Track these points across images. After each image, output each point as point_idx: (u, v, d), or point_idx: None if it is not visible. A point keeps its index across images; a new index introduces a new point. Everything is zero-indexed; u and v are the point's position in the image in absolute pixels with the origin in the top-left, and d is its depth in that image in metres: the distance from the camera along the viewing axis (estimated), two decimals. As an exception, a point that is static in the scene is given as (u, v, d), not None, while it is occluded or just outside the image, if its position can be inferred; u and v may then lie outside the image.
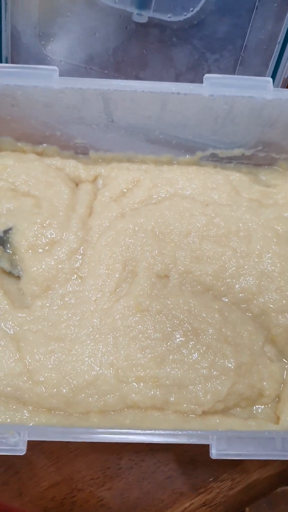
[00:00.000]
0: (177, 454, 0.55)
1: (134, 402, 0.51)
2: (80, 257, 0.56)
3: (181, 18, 0.56)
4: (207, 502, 0.54)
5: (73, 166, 0.61)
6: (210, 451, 0.42)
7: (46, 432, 0.43)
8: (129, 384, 0.51)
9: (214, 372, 0.52)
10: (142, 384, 0.52)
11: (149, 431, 0.42)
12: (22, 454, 0.42)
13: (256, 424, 0.52)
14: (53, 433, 0.43)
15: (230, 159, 0.63)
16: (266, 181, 0.64)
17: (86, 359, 0.52)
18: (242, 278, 0.56)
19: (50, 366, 0.51)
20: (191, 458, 0.55)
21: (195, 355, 0.52)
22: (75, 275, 0.56)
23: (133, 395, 0.51)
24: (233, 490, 0.55)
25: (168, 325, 0.53)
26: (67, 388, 0.51)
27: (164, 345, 0.52)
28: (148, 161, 0.63)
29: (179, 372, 0.52)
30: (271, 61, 0.57)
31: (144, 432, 0.42)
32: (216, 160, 0.63)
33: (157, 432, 0.42)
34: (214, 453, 0.42)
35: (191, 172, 0.61)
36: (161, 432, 0.42)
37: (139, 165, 0.62)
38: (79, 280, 0.56)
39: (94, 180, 0.62)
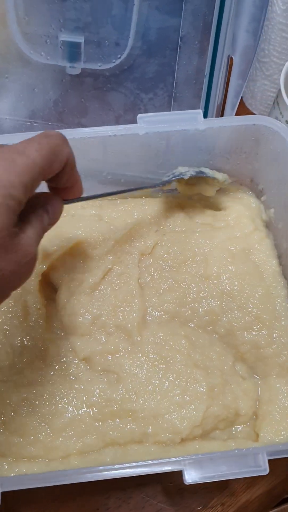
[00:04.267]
0: (164, 486, 0.55)
1: (112, 439, 0.51)
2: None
3: (111, 65, 0.59)
4: (201, 531, 0.54)
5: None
6: (183, 477, 0.43)
7: (22, 481, 0.43)
8: (105, 421, 0.52)
9: (187, 398, 0.52)
10: (118, 420, 0.52)
11: (119, 466, 0.42)
12: (-3, 506, 0.42)
13: (236, 444, 0.52)
14: (29, 481, 0.43)
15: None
16: (217, 205, 0.67)
17: (59, 400, 0.52)
18: (204, 301, 0.57)
19: (24, 414, 0.51)
20: (177, 488, 0.55)
21: (166, 383, 0.53)
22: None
23: (110, 432, 0.51)
24: (224, 515, 0.55)
25: (135, 358, 0.54)
26: (43, 433, 0.51)
27: (134, 378, 0.53)
28: (102, 199, 0.65)
29: (152, 403, 0.52)
30: (202, 93, 0.61)
31: (115, 467, 0.42)
32: (167, 191, 0.65)
33: (129, 465, 0.42)
34: (187, 479, 0.42)
35: (145, 203, 0.64)
36: (134, 464, 0.43)
37: (94, 202, 0.64)
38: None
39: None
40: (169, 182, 0.58)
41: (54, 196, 0.45)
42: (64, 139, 0.41)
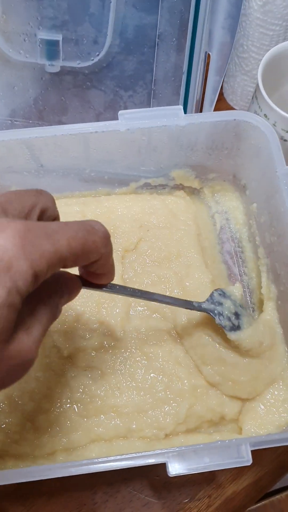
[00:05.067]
0: (150, 480, 0.56)
1: (97, 435, 0.52)
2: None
3: (90, 63, 0.60)
4: (188, 523, 0.54)
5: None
6: (167, 469, 0.43)
7: (8, 476, 0.43)
8: (90, 417, 0.52)
9: (170, 395, 0.53)
10: (102, 416, 0.52)
11: (105, 459, 0.43)
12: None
13: (221, 437, 0.53)
14: (14, 475, 0.43)
15: (163, 186, 0.66)
16: (203, 201, 0.67)
17: (44, 397, 0.52)
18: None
19: (7, 411, 0.52)
20: (164, 482, 0.55)
21: (149, 380, 0.53)
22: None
23: (95, 428, 0.52)
24: (211, 507, 0.55)
25: (119, 354, 0.54)
26: (29, 431, 0.51)
27: (118, 374, 0.53)
28: (86, 196, 0.65)
29: (136, 398, 0.53)
30: (181, 89, 0.61)
31: (101, 460, 0.43)
32: (151, 188, 0.66)
33: (113, 458, 0.43)
34: (171, 471, 0.43)
35: (129, 200, 0.64)
36: (118, 457, 0.43)
37: (77, 199, 0.65)
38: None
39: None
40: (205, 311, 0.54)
41: (73, 279, 0.38)
42: (107, 239, 0.35)
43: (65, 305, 0.52)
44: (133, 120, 0.55)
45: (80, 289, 0.39)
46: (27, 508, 0.54)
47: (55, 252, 0.31)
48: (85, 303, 0.56)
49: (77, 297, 0.54)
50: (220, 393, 0.54)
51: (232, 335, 0.52)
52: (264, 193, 0.58)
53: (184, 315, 0.55)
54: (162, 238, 0.61)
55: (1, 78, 0.62)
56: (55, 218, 0.38)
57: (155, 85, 0.61)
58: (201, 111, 0.63)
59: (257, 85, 0.56)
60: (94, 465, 0.43)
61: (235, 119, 0.56)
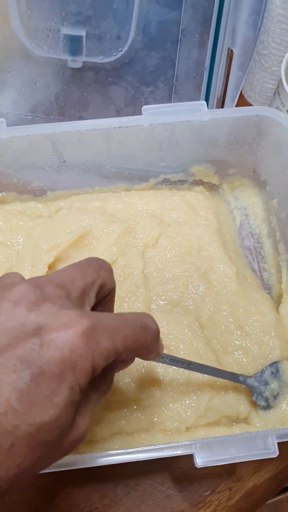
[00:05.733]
0: (171, 472, 0.56)
1: (120, 428, 0.52)
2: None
3: (112, 59, 0.60)
4: (209, 516, 0.55)
5: (32, 207, 0.63)
6: (194, 461, 0.43)
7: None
8: (112, 410, 0.52)
9: (190, 388, 0.53)
10: (125, 409, 0.53)
11: (132, 450, 0.43)
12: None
13: (240, 430, 0.53)
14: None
15: (183, 181, 0.66)
16: (222, 196, 0.68)
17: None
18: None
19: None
20: (185, 474, 0.56)
21: (170, 372, 0.54)
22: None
23: (118, 421, 0.52)
24: (232, 499, 0.56)
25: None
26: None
27: (140, 367, 0.54)
28: (106, 191, 0.65)
29: (157, 392, 0.53)
30: (202, 85, 0.61)
31: (127, 451, 0.43)
32: (171, 184, 0.66)
33: (140, 449, 0.43)
34: (198, 462, 0.43)
35: (148, 195, 0.64)
36: (145, 448, 0.43)
37: (98, 194, 0.65)
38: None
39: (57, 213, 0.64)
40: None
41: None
42: (157, 337, 0.37)
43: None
44: (156, 115, 0.56)
45: (133, 361, 0.41)
46: (48, 501, 0.55)
47: (114, 349, 0.32)
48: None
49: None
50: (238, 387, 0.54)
51: (260, 413, 0.52)
52: (285, 189, 0.58)
53: (210, 306, 0.55)
54: (182, 233, 0.61)
55: (23, 74, 0.62)
56: (112, 290, 0.39)
57: (176, 80, 0.61)
58: (222, 107, 0.63)
59: (280, 80, 0.57)
60: (122, 456, 0.43)
61: (257, 115, 0.56)
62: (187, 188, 0.66)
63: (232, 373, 0.52)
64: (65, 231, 0.59)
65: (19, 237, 0.60)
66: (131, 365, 0.53)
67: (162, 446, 0.44)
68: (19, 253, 0.59)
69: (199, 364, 0.48)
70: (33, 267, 0.56)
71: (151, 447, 0.43)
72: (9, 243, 0.60)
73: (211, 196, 0.66)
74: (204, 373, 0.50)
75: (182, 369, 0.54)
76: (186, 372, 0.53)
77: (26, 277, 0.36)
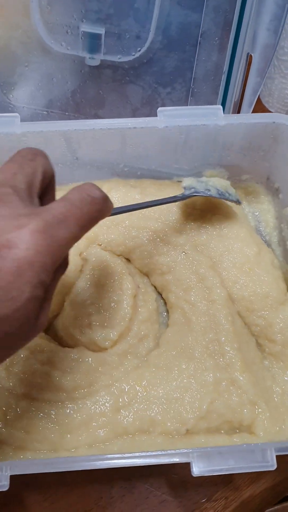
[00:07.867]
0: (168, 477, 0.56)
1: (124, 428, 0.51)
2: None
3: (131, 58, 0.60)
4: (203, 523, 0.54)
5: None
6: (191, 469, 0.43)
7: (30, 465, 0.44)
8: (119, 411, 0.52)
9: (191, 388, 0.52)
10: (125, 409, 0.52)
11: (129, 455, 0.43)
12: (5, 490, 0.42)
13: (241, 439, 0.53)
14: (36, 465, 0.44)
15: (195, 185, 0.66)
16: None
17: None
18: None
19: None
20: (182, 481, 0.55)
21: (171, 372, 0.53)
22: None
23: (124, 420, 0.51)
24: (227, 509, 0.55)
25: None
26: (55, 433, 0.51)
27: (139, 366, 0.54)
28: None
29: (157, 391, 0.53)
30: (220, 89, 0.61)
31: (124, 455, 0.43)
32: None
33: (137, 454, 0.43)
34: (195, 471, 0.43)
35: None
36: (142, 454, 0.43)
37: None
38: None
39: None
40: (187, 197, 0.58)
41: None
42: (106, 201, 0.36)
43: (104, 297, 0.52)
44: (172, 117, 0.55)
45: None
46: (45, 498, 0.55)
47: (71, 236, 0.32)
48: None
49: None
50: (242, 392, 0.53)
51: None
52: (299, 197, 0.58)
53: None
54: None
55: (41, 69, 0.62)
56: (53, 175, 0.39)
57: (194, 83, 0.61)
58: (238, 112, 0.63)
59: (299, 88, 0.56)
60: (119, 460, 0.43)
61: (274, 122, 0.56)
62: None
63: (170, 197, 0.56)
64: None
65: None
66: (131, 364, 0.53)
67: (159, 452, 0.43)
68: None
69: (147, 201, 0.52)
70: None
71: (148, 453, 0.43)
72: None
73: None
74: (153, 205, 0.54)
75: (183, 368, 0.53)
76: (187, 372, 0.53)
77: None
